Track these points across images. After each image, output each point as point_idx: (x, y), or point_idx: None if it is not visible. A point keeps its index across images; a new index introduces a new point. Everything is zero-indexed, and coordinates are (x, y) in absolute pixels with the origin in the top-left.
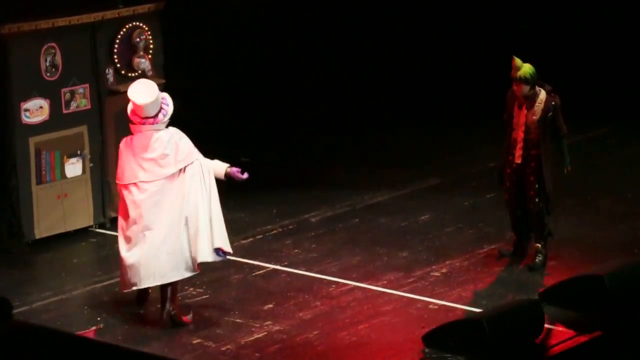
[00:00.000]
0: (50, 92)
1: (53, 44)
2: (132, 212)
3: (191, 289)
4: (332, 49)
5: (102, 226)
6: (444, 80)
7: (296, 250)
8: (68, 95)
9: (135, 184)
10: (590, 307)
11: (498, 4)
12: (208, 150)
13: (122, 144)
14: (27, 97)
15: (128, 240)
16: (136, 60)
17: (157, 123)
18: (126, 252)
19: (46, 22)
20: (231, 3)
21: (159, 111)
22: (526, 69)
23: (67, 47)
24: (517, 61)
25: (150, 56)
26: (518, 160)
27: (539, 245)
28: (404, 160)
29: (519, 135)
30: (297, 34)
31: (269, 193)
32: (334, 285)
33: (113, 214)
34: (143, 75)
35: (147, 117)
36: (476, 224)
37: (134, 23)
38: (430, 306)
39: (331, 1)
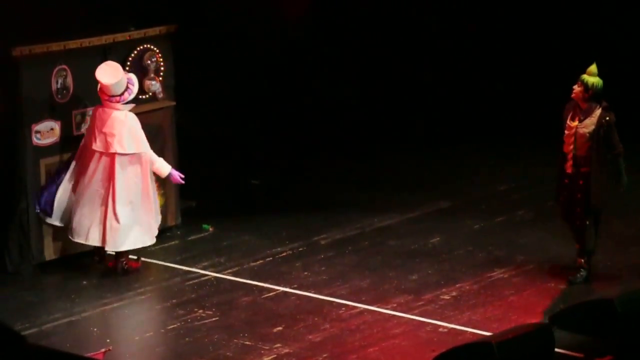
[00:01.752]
0: (61, 114)
1: (64, 66)
2: (85, 176)
3: (200, 310)
4: (342, 72)
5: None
6: (455, 104)
7: (306, 273)
8: (79, 117)
9: (93, 150)
10: (601, 331)
11: (508, 30)
12: (219, 171)
13: (92, 111)
14: (38, 119)
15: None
16: (147, 82)
17: (122, 101)
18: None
19: (58, 45)
20: (243, 26)
21: (125, 90)
22: (594, 77)
23: (78, 69)
24: (594, 67)
25: (161, 78)
26: (569, 171)
27: (582, 261)
28: (414, 183)
29: (569, 147)
30: (308, 56)
31: (278, 215)
32: (343, 308)
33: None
34: (154, 97)
35: (113, 96)
36: (486, 247)
37: (145, 45)
38: (440, 329)
39: (345, 25)
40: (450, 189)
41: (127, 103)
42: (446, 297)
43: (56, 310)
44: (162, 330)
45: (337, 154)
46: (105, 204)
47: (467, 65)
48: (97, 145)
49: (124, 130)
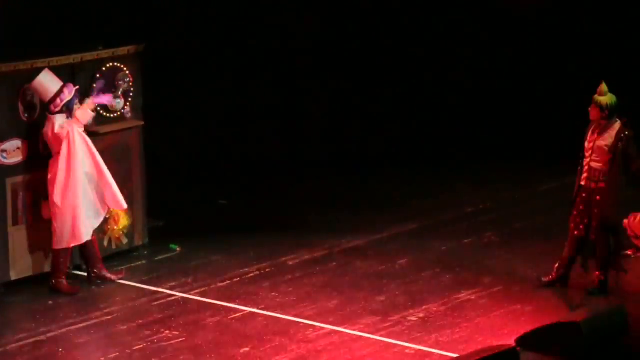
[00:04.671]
0: (28, 133)
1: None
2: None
3: (167, 331)
4: (312, 91)
5: (77, 268)
6: (423, 125)
7: (273, 294)
8: None
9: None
10: (567, 354)
11: (476, 54)
12: (187, 190)
13: None
14: (5, 138)
15: None
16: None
17: (51, 110)
18: None
19: (25, 64)
20: (214, 43)
21: (53, 101)
22: (606, 97)
23: None
24: (604, 86)
25: (130, 99)
26: (582, 182)
27: (598, 273)
28: (382, 204)
29: (586, 160)
30: (278, 78)
31: (246, 236)
32: (310, 329)
33: None
34: (122, 116)
35: (46, 103)
36: (454, 268)
37: (112, 64)
38: (407, 351)
39: (318, 41)
40: (418, 211)
41: (59, 113)
42: (413, 318)
43: (21, 330)
44: (128, 351)
45: (305, 175)
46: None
47: (438, 88)
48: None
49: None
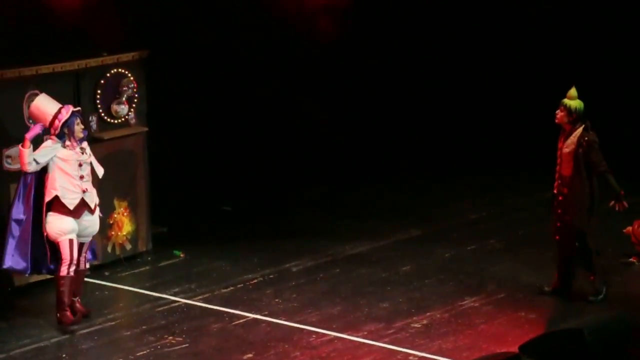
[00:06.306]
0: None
1: (36, 91)
2: None
3: (170, 337)
4: (315, 99)
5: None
6: (427, 133)
7: (277, 300)
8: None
9: None
10: None
11: (478, 61)
12: (190, 196)
13: None
14: (9, 144)
15: None
16: (114, 107)
17: (51, 133)
18: None
19: (30, 70)
20: (218, 48)
21: (52, 124)
22: (574, 101)
23: (50, 94)
24: (573, 91)
25: (134, 105)
26: (555, 191)
27: (592, 279)
28: (385, 211)
29: (557, 167)
30: (281, 83)
31: (250, 242)
32: (314, 336)
33: (94, 262)
34: (126, 122)
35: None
36: (457, 275)
37: (116, 70)
38: (411, 358)
39: (322, 50)
40: (421, 218)
41: (59, 136)
42: (417, 325)
43: (25, 336)
44: (132, 357)
45: (309, 182)
46: None
47: (440, 95)
48: None
49: None
